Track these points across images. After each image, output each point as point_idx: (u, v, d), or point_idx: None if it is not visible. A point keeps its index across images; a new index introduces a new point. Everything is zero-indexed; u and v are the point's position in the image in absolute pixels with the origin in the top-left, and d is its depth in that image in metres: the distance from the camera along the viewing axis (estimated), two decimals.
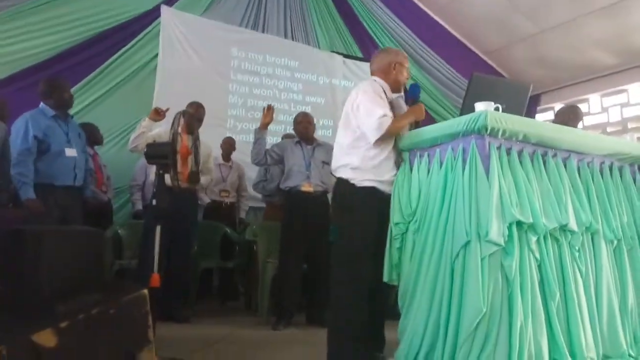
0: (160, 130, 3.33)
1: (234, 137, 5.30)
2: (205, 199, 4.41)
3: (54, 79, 3.33)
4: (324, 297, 3.50)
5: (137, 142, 3.17)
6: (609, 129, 6.33)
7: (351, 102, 2.37)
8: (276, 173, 4.23)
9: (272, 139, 5.38)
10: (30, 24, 4.13)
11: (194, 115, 3.46)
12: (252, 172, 5.07)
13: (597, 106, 6.60)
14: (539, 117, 6.98)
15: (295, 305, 3.38)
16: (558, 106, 7.03)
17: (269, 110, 3.35)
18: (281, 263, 3.35)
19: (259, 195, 4.80)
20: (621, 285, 2.08)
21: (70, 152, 3.12)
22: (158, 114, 3.18)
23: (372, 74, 2.51)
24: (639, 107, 6.11)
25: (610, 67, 6.19)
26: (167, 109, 3.17)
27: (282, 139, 4.69)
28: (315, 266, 3.42)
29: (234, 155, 4.84)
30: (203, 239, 4.05)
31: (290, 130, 5.47)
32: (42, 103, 3.16)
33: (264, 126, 3.35)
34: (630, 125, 6.17)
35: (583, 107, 6.50)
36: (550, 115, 7.17)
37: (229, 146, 4.65)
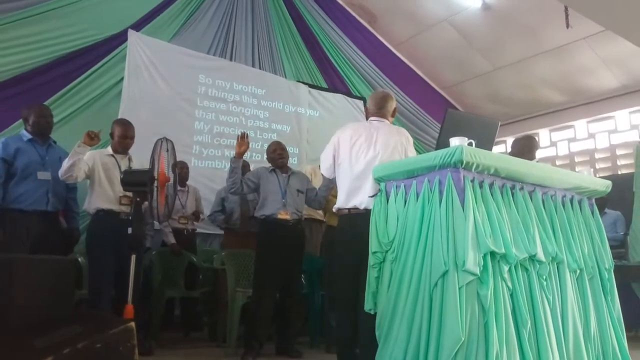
0: (94, 153, 3.18)
1: (199, 163, 5.27)
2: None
3: (33, 105, 3.37)
4: (295, 328, 3.49)
5: (72, 171, 2.94)
6: (557, 162, 6.72)
7: (401, 144, 2.60)
8: (234, 203, 4.22)
9: None
10: None
11: (124, 135, 3.26)
12: (214, 196, 5.03)
13: (546, 140, 7.01)
14: (493, 149, 7.31)
15: (265, 335, 3.33)
16: (510, 139, 7.42)
17: (243, 138, 3.34)
18: (255, 292, 3.29)
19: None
20: (584, 313, 2.19)
21: (43, 175, 3.08)
22: (92, 139, 2.95)
23: (383, 116, 2.74)
24: (584, 142, 6.54)
25: (558, 104, 6.62)
26: (100, 131, 2.99)
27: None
28: (287, 296, 3.39)
29: (195, 180, 4.79)
30: (167, 268, 3.96)
31: (255, 156, 5.50)
32: (23, 128, 3.26)
33: (239, 155, 3.32)
34: (577, 159, 6.59)
35: None
36: (502, 148, 7.54)
37: (182, 169, 4.36)
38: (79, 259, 3.61)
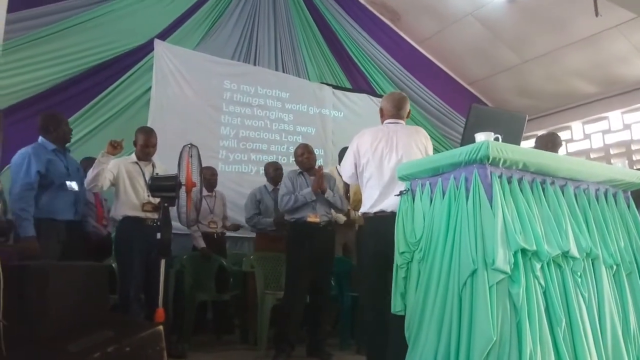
0: (119, 161, 3.24)
1: (226, 167, 5.34)
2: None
3: (53, 113, 3.32)
4: (326, 330, 3.50)
5: (97, 181, 3.00)
6: (592, 155, 6.51)
7: (421, 144, 2.66)
8: (270, 206, 4.24)
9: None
10: (27, 57, 4.15)
11: (146, 143, 3.33)
12: (242, 200, 5.08)
13: (579, 133, 6.80)
14: (523, 144, 7.13)
15: (296, 337, 3.35)
16: (541, 133, 7.25)
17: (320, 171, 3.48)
18: (287, 294, 3.33)
19: (244, 224, 4.77)
20: (622, 310, 2.10)
21: (71, 185, 3.11)
22: (114, 148, 2.99)
23: (401, 117, 2.76)
24: (620, 133, 6.31)
25: (590, 96, 6.41)
26: (122, 140, 3.04)
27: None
28: (318, 298, 3.40)
29: (223, 184, 4.84)
30: (198, 272, 4.02)
31: (281, 159, 5.52)
32: (40, 137, 3.16)
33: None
34: (612, 152, 6.36)
35: (566, 134, 6.72)
36: (533, 142, 7.35)
37: (212, 176, 4.49)
38: (113, 265, 3.72)
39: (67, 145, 3.36)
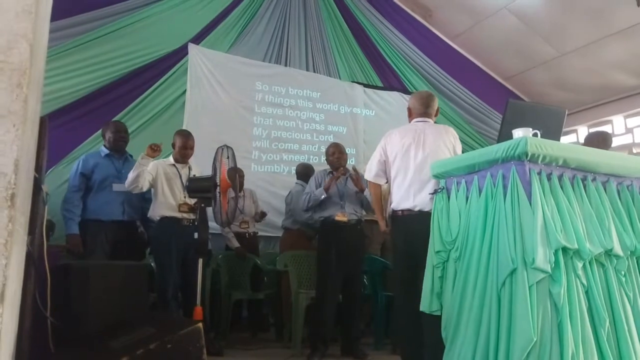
0: (157, 163, 3.34)
1: (258, 168, 5.39)
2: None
3: (110, 122, 3.64)
4: (359, 328, 3.49)
5: (137, 182, 3.11)
6: (635, 150, 6.26)
7: (449, 142, 2.65)
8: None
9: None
10: (67, 64, 4.29)
11: (184, 145, 3.41)
12: (274, 200, 5.17)
13: (621, 127, 6.55)
14: (562, 139, 6.93)
15: (330, 336, 3.36)
16: (581, 128, 7.03)
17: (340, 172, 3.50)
18: (318, 293, 3.35)
19: (278, 223, 4.80)
20: None
21: (119, 187, 3.26)
22: (154, 151, 3.10)
23: (429, 116, 2.75)
24: None
25: (632, 88, 6.17)
26: (161, 144, 3.15)
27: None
28: (350, 296, 3.40)
29: (255, 184, 4.89)
30: (233, 271, 4.08)
31: (313, 159, 5.55)
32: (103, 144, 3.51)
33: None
34: None
35: (607, 128, 6.49)
36: (573, 137, 7.13)
37: (239, 177, 4.40)
38: (151, 263, 3.81)
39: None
